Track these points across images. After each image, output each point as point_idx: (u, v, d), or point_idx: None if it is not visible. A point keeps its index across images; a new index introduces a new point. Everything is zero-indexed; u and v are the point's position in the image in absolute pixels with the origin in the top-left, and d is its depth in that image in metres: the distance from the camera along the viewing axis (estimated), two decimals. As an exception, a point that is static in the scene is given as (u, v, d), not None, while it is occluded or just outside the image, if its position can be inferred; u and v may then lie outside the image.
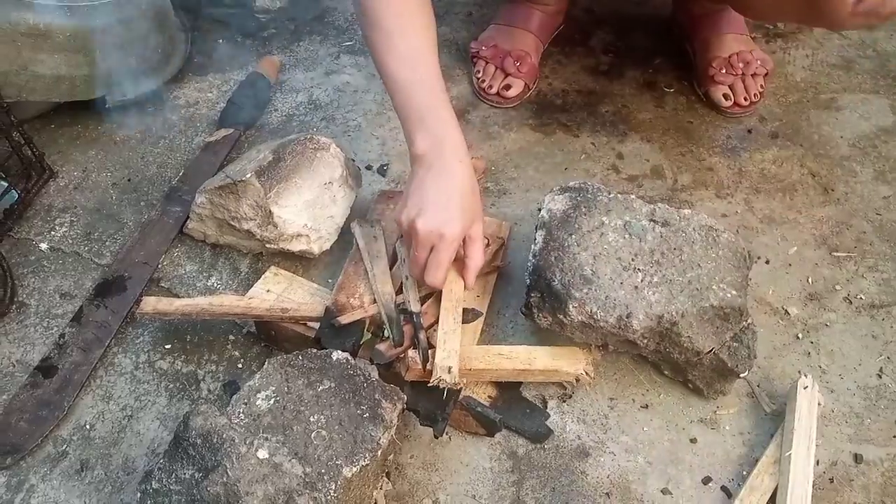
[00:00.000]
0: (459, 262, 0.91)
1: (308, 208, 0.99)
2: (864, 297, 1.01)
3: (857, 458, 0.86)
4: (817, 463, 0.85)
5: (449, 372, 0.81)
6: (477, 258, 0.89)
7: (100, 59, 1.15)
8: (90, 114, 1.23)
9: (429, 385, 0.82)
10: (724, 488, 0.84)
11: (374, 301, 0.90)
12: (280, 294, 0.96)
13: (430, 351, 0.84)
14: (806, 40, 1.42)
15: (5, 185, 1.07)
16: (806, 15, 1.03)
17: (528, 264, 0.89)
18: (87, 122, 1.24)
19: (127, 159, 1.19)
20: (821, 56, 1.39)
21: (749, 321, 0.87)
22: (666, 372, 0.92)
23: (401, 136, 1.22)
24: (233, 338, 0.96)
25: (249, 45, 1.42)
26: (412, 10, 0.89)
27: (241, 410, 0.73)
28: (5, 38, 1.06)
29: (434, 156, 0.86)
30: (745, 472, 0.84)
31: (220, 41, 1.42)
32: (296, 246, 1.00)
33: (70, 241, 1.07)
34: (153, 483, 0.69)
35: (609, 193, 0.93)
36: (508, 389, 0.90)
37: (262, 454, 0.69)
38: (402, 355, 0.85)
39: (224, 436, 0.70)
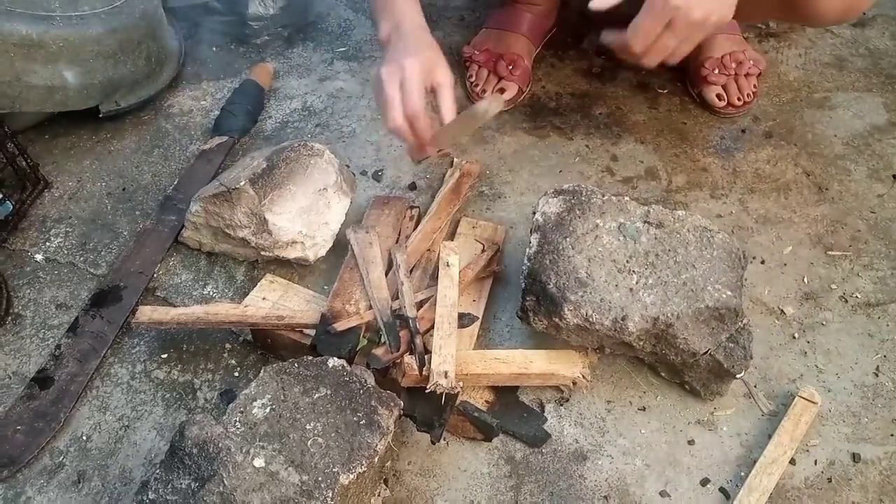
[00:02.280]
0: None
1: (303, 215, 0.99)
2: (859, 296, 1.01)
3: (855, 458, 0.86)
4: (815, 463, 0.85)
5: (445, 377, 0.81)
6: (447, 102, 0.92)
7: (92, 69, 1.15)
8: (84, 124, 1.23)
9: (426, 390, 0.82)
10: (722, 490, 0.83)
11: (370, 307, 0.90)
12: (276, 302, 0.96)
13: (426, 356, 0.84)
14: (798, 39, 1.42)
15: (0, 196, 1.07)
16: (786, 13, 1.06)
17: (523, 268, 0.89)
18: (81, 132, 1.24)
19: (121, 168, 1.19)
20: (813, 55, 1.39)
21: (745, 322, 0.87)
22: (663, 374, 0.92)
23: (395, 142, 1.23)
24: (229, 346, 0.96)
25: (243, 52, 1.42)
26: None
27: (238, 419, 0.73)
28: (-2, 49, 1.06)
29: (395, 35, 0.95)
30: (743, 474, 0.84)
31: (214, 49, 1.42)
32: (291, 253, 1.00)
33: (65, 252, 1.07)
34: (149, 494, 0.69)
35: (603, 196, 0.94)
36: (505, 394, 0.90)
37: (259, 463, 0.69)
38: (398, 361, 0.85)
39: (220, 445, 0.70)
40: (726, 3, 0.88)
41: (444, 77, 0.92)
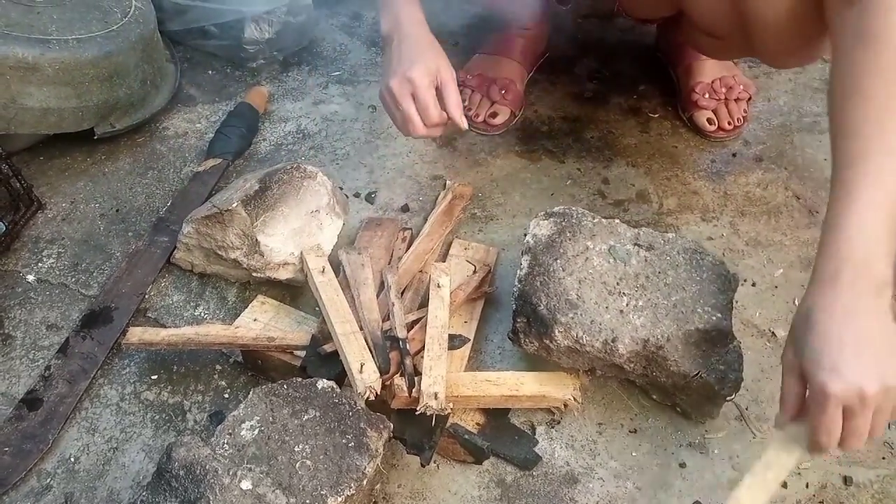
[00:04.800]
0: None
1: (295, 237, 1.00)
2: (850, 319, 1.01)
3: (847, 481, 0.85)
4: (806, 486, 0.84)
5: (435, 398, 0.81)
6: (453, 97, 0.97)
7: (88, 92, 1.16)
8: (79, 145, 1.24)
9: (416, 412, 0.81)
10: (713, 513, 0.83)
11: (361, 328, 0.90)
12: (267, 323, 0.96)
13: (416, 378, 0.84)
14: (788, 65, 1.44)
15: (-8, 217, 1.07)
16: (752, 56, 1.10)
17: (514, 289, 0.89)
18: (75, 154, 1.24)
19: (115, 190, 1.19)
20: (803, 80, 1.41)
21: (735, 344, 0.87)
22: (654, 396, 0.92)
23: (389, 164, 1.24)
24: (220, 368, 0.96)
25: (238, 75, 1.43)
26: None
27: (226, 441, 0.73)
28: (-6, 71, 1.07)
29: (394, 31, 0.99)
30: (734, 497, 0.83)
31: (209, 72, 1.43)
32: (283, 274, 1.00)
33: (57, 273, 1.07)
34: (136, 516, 0.69)
35: (593, 218, 0.94)
36: (496, 416, 0.90)
37: (246, 485, 0.69)
38: (388, 382, 0.85)
39: (207, 467, 0.69)
40: None
41: (447, 74, 0.96)
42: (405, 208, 1.17)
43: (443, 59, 0.98)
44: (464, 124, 0.99)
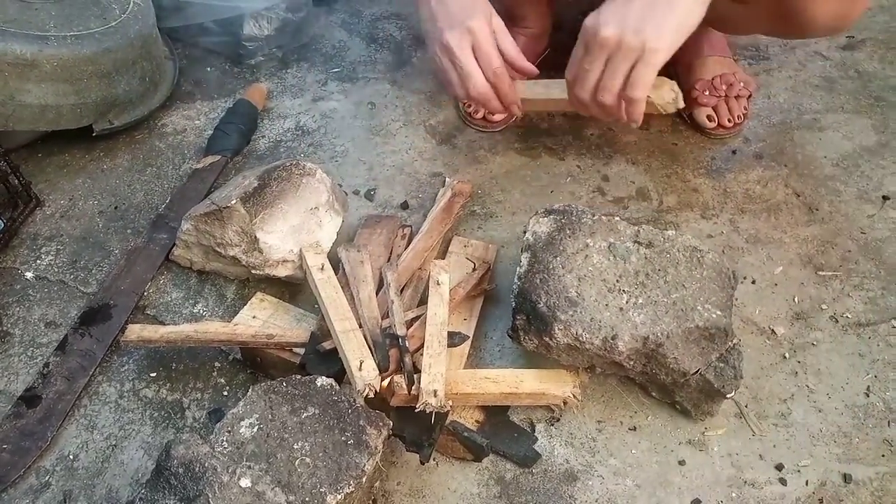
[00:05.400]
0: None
1: (294, 234, 0.99)
2: (850, 316, 1.02)
3: (847, 478, 0.85)
4: (806, 483, 0.84)
5: (435, 395, 0.81)
6: (510, 46, 0.95)
7: (86, 88, 1.15)
8: (77, 142, 1.24)
9: (415, 410, 0.81)
10: (713, 510, 0.83)
11: (360, 326, 0.90)
12: (266, 320, 0.95)
13: (415, 375, 0.84)
14: (788, 62, 1.44)
15: (-9, 214, 1.07)
16: (777, 24, 1.09)
17: (514, 287, 0.89)
18: (74, 151, 1.24)
19: (114, 187, 1.19)
20: (803, 77, 1.41)
21: (735, 341, 0.87)
22: (653, 393, 0.92)
23: (388, 161, 1.24)
24: (218, 365, 0.96)
25: (237, 72, 1.43)
26: None
27: (225, 438, 0.72)
28: (-8, 68, 1.07)
29: None
30: (734, 494, 0.83)
31: (208, 69, 1.43)
32: (282, 272, 1.00)
33: (56, 270, 1.06)
34: (134, 514, 0.68)
35: (593, 215, 0.94)
36: (496, 413, 0.90)
37: (245, 483, 0.69)
38: (387, 380, 0.84)
39: (206, 464, 0.69)
40: (660, 26, 0.79)
41: (499, 22, 0.93)
42: (404, 205, 1.17)
43: (491, 7, 0.93)
44: (532, 68, 0.95)
